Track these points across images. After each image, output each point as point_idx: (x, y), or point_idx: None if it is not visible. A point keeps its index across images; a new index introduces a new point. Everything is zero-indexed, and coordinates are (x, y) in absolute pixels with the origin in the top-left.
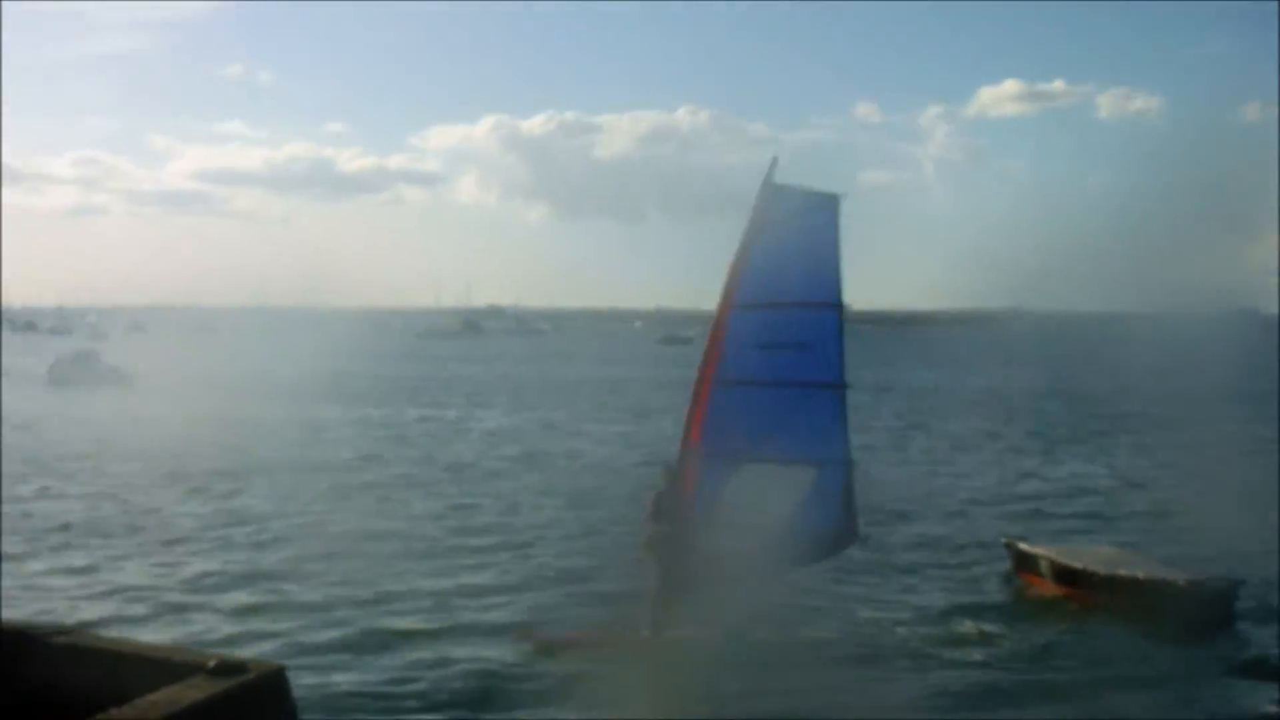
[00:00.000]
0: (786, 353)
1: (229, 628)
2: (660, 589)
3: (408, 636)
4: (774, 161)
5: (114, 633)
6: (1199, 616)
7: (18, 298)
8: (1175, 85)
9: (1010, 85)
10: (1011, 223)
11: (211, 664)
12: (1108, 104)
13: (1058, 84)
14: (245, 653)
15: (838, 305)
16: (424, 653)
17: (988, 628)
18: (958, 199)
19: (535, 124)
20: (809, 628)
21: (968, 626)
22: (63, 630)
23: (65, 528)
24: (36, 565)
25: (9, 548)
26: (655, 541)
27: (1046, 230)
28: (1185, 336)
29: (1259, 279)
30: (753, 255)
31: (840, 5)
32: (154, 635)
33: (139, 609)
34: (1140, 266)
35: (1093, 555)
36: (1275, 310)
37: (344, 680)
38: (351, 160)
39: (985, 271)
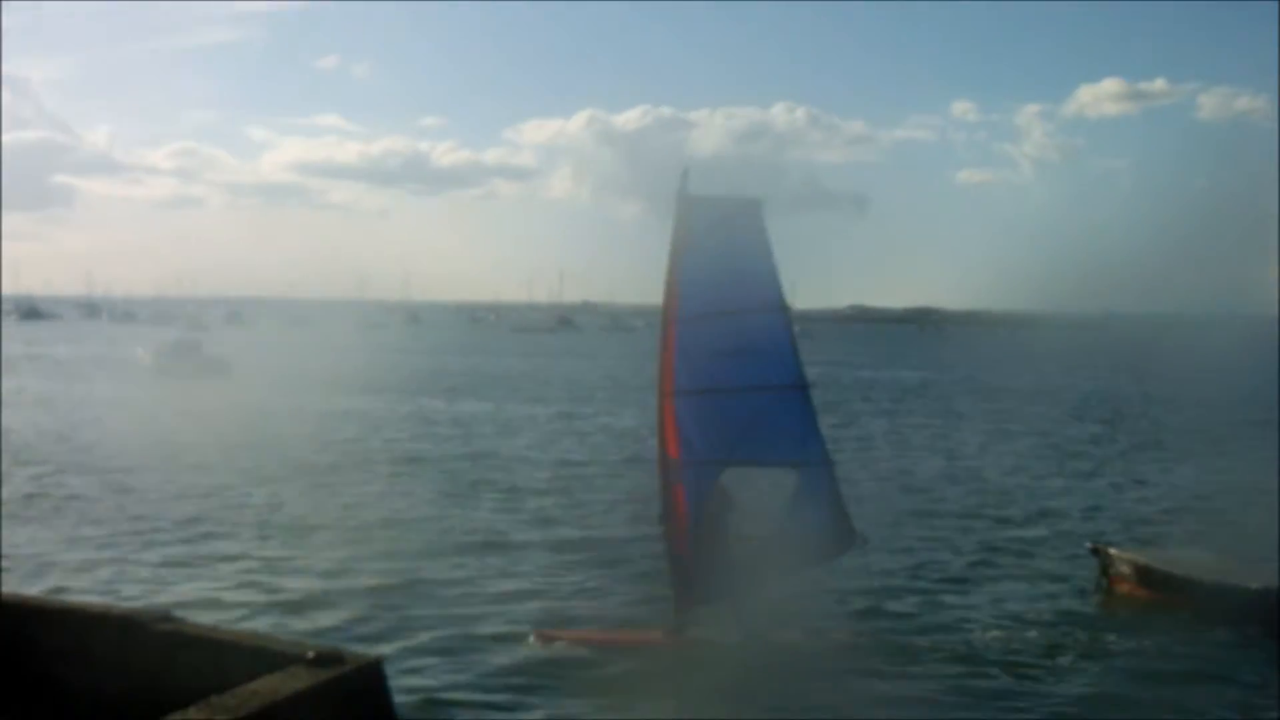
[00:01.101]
0: (741, 359)
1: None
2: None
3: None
4: (684, 173)
5: (254, 624)
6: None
7: (118, 288)
8: None
9: (1110, 84)
10: (1110, 225)
11: (310, 654)
12: (1210, 104)
13: (1159, 83)
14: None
15: (782, 309)
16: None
17: (1069, 631)
18: (1054, 199)
19: (629, 119)
20: (887, 628)
21: (1050, 630)
22: (167, 618)
23: (194, 520)
24: (158, 555)
25: (139, 539)
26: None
27: (1145, 233)
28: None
29: None
30: (685, 269)
31: (939, 3)
32: (305, 625)
33: (275, 597)
34: (1243, 270)
35: (1181, 560)
36: None
37: (445, 678)
38: (447, 154)
39: (1083, 275)
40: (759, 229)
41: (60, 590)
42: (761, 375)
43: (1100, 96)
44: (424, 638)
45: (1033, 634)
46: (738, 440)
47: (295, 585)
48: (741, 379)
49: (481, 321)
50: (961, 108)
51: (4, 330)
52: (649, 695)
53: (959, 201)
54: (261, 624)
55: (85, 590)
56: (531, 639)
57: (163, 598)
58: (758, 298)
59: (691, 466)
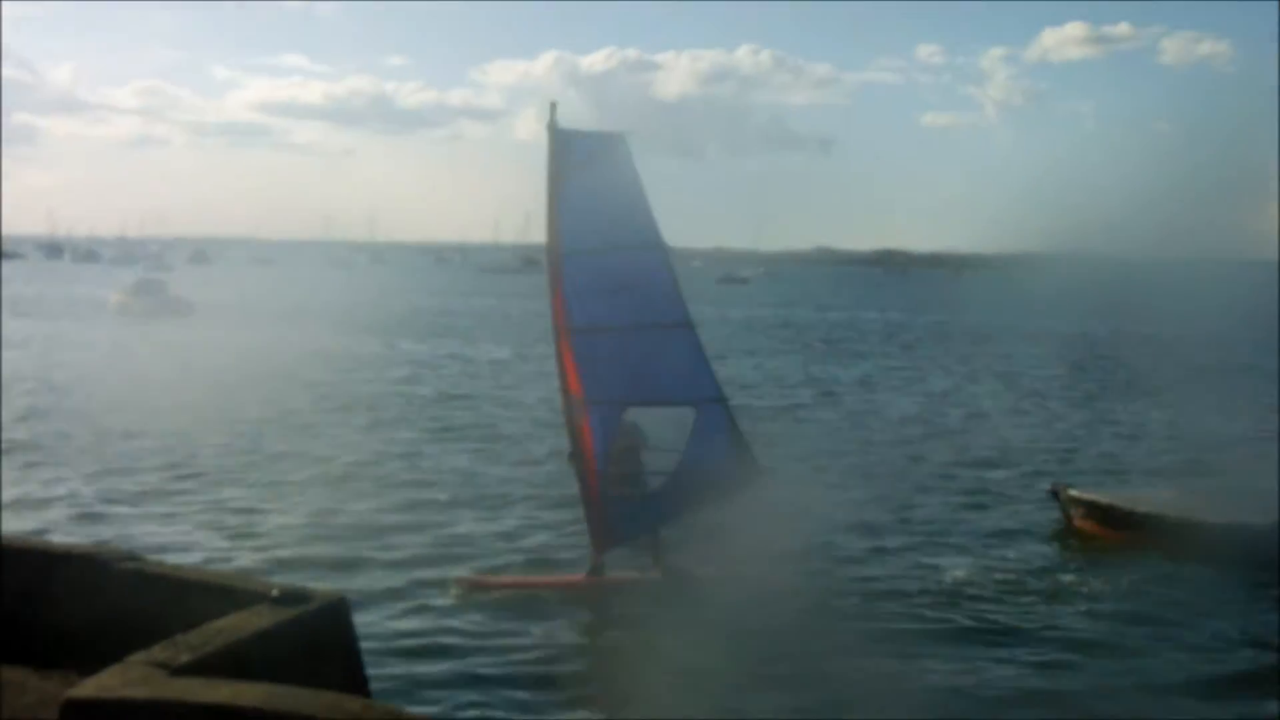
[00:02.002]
0: (626, 296)
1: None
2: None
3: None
4: (553, 106)
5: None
6: (1247, 556)
7: (80, 228)
8: (1245, 30)
9: (1074, 28)
10: (1071, 167)
11: (275, 592)
12: (1173, 48)
13: (1122, 27)
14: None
15: (659, 246)
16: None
17: (1029, 570)
18: (1018, 142)
19: (595, 60)
20: (857, 569)
21: (1011, 569)
22: (131, 557)
23: (163, 463)
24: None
25: (129, 488)
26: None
27: (1107, 176)
28: (1249, 283)
29: None
30: (563, 201)
31: None
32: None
33: (236, 539)
34: (1202, 214)
35: (1141, 499)
36: None
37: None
38: (412, 95)
39: (1044, 216)
40: (628, 164)
41: (36, 531)
42: (648, 313)
43: (1064, 40)
44: (361, 581)
45: (989, 574)
46: (633, 379)
47: (254, 525)
48: (628, 317)
49: (448, 262)
50: (927, 51)
51: None
52: (570, 634)
53: (924, 144)
54: (225, 565)
55: (50, 530)
56: (454, 588)
57: (130, 537)
58: (634, 234)
59: (595, 406)
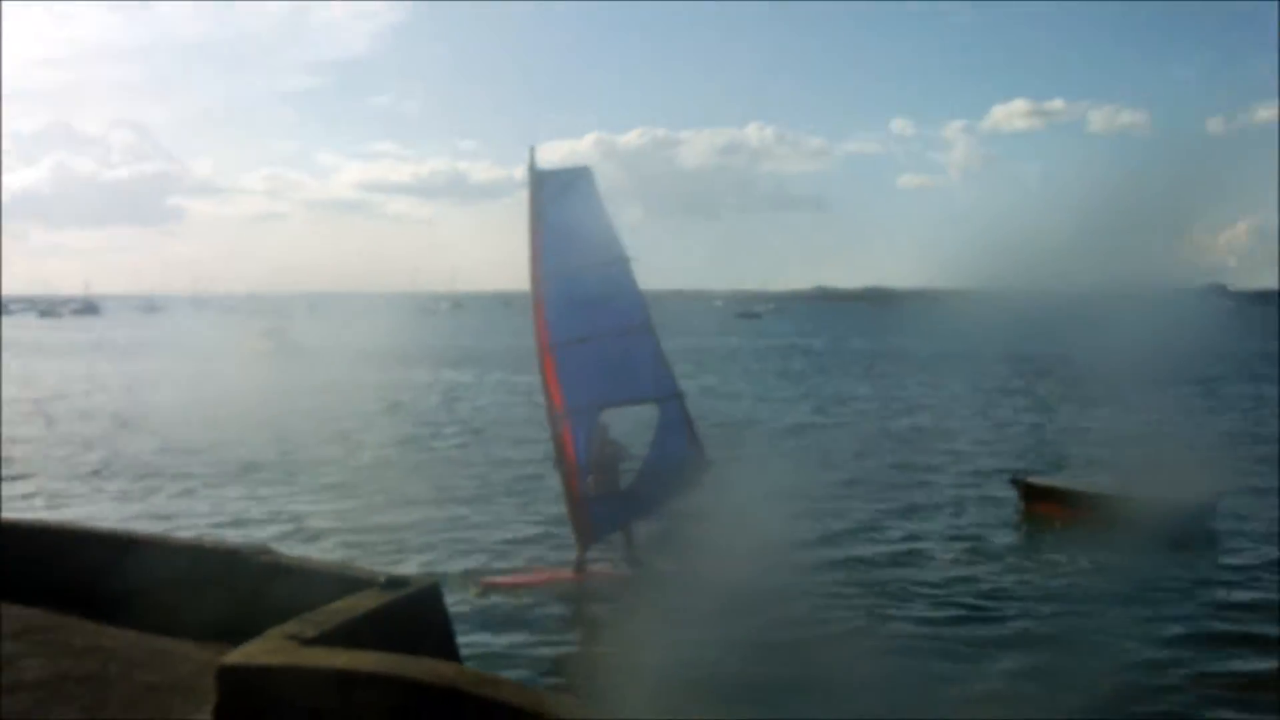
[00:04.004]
0: (600, 307)
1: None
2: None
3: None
4: (532, 151)
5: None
6: (1182, 530)
7: (219, 287)
8: (1159, 102)
9: (1018, 104)
10: (1018, 217)
11: (382, 579)
12: (1099, 119)
13: (1057, 102)
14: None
15: (622, 259)
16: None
17: (992, 544)
18: (977, 198)
19: (630, 139)
20: (835, 549)
21: (976, 544)
22: (265, 550)
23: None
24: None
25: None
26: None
27: (1047, 223)
28: (1163, 311)
29: (1230, 259)
30: (544, 229)
31: (882, 39)
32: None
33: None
34: (1123, 253)
35: (1084, 484)
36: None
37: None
38: (482, 172)
39: (991, 255)
40: (592, 192)
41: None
42: (619, 319)
43: (1011, 114)
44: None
45: (958, 548)
46: (610, 382)
47: (365, 524)
48: (603, 323)
49: (512, 305)
50: (900, 124)
51: (133, 320)
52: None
53: (901, 201)
54: (337, 556)
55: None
56: (473, 587)
57: (261, 535)
58: (603, 251)
59: (574, 415)
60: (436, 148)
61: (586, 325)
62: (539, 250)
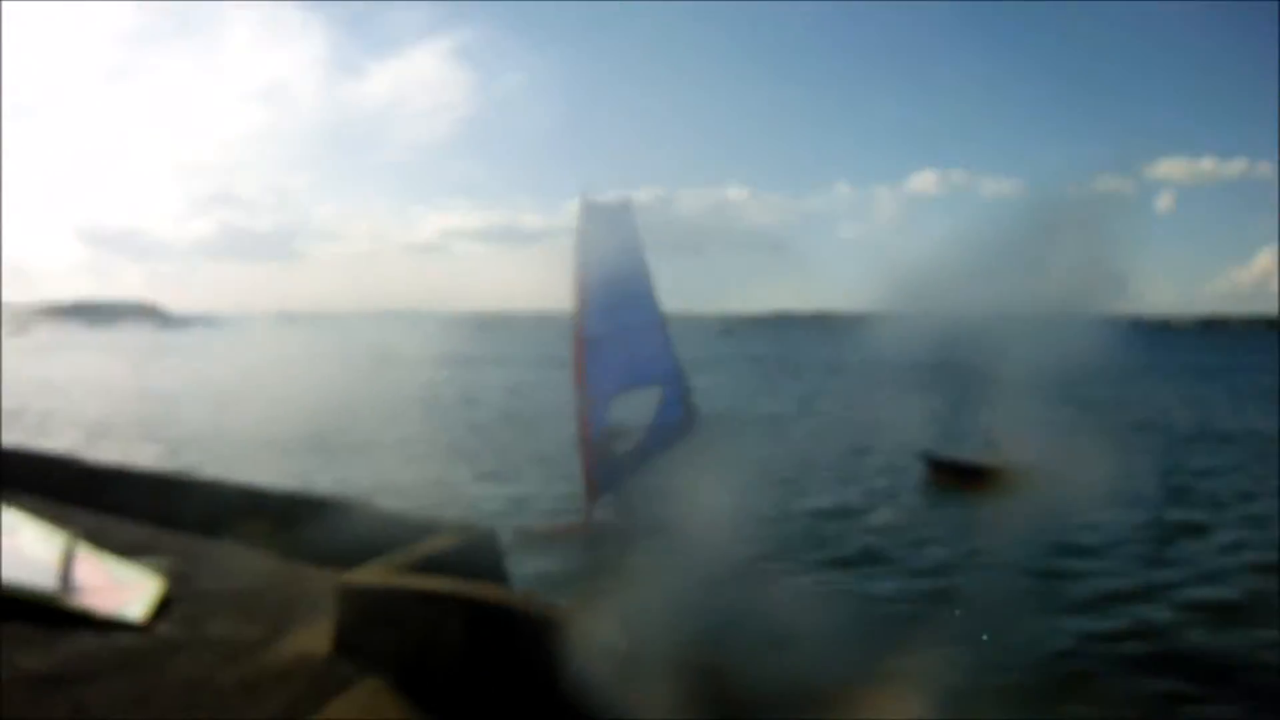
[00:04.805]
0: (626, 307)
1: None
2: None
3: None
4: (583, 193)
5: None
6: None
7: (333, 307)
8: (1030, 171)
9: (928, 173)
10: (931, 257)
11: (454, 526)
12: (989, 187)
13: (957, 174)
14: None
15: (647, 275)
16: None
17: (902, 505)
18: (901, 244)
19: (640, 196)
20: (787, 504)
21: (892, 504)
22: (368, 504)
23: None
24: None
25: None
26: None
27: (947, 260)
28: (1056, 334)
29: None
30: (588, 252)
31: (834, 121)
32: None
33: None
34: (1012, 289)
35: (976, 459)
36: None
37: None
38: (532, 221)
39: (908, 285)
40: (632, 223)
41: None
42: (640, 316)
43: (924, 182)
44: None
45: (877, 512)
46: (627, 369)
47: (442, 485)
48: (629, 318)
49: (545, 324)
50: (841, 188)
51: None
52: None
53: (842, 245)
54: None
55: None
56: (513, 534)
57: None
58: (635, 266)
59: (596, 398)
60: (496, 200)
61: (616, 322)
62: (586, 265)
